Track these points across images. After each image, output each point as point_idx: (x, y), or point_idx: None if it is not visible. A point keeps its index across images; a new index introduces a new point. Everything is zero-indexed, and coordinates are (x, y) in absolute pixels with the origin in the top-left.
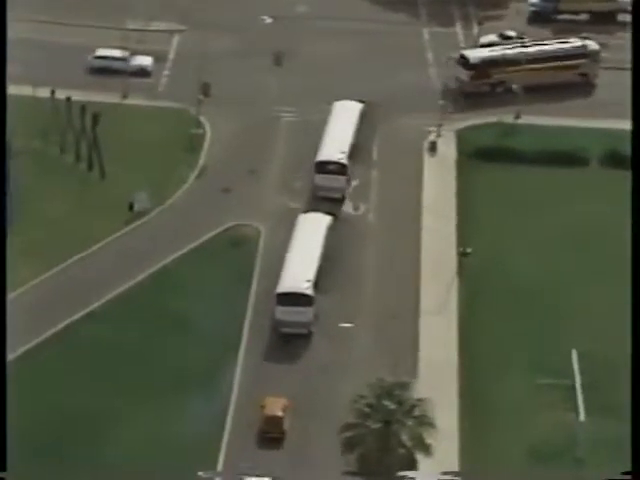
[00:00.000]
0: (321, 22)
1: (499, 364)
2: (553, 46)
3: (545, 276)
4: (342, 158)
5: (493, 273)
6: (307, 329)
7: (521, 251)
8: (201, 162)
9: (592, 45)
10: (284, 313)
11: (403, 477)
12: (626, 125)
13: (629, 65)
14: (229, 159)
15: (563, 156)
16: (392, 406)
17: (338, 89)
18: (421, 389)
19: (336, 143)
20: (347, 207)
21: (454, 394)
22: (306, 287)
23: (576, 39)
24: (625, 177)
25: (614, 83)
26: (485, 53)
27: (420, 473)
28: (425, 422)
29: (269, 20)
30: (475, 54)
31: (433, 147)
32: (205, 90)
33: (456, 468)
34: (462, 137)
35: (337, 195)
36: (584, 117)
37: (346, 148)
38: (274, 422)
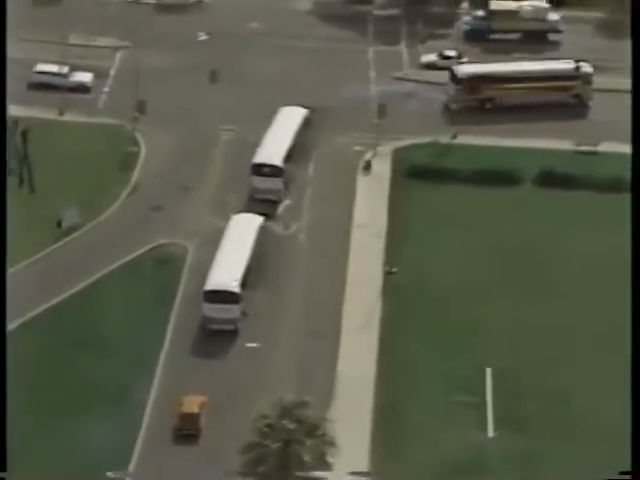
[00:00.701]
0: (270, 39)
1: (416, 381)
2: (545, 66)
3: (469, 295)
4: (278, 161)
5: (418, 292)
6: (234, 326)
7: (447, 270)
8: (134, 179)
9: (586, 67)
10: (211, 310)
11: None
12: (562, 145)
13: None
14: (163, 177)
15: (497, 175)
16: (291, 425)
17: (277, 106)
18: (336, 407)
19: (274, 146)
20: (278, 226)
21: (368, 412)
22: (233, 285)
23: (570, 60)
24: (558, 196)
25: None
26: (474, 69)
27: (329, 473)
28: (326, 441)
29: (205, 37)
30: (463, 69)
31: (368, 166)
32: (140, 107)
33: None
34: (398, 156)
35: (274, 197)
36: (522, 137)
37: (284, 151)
38: (190, 419)
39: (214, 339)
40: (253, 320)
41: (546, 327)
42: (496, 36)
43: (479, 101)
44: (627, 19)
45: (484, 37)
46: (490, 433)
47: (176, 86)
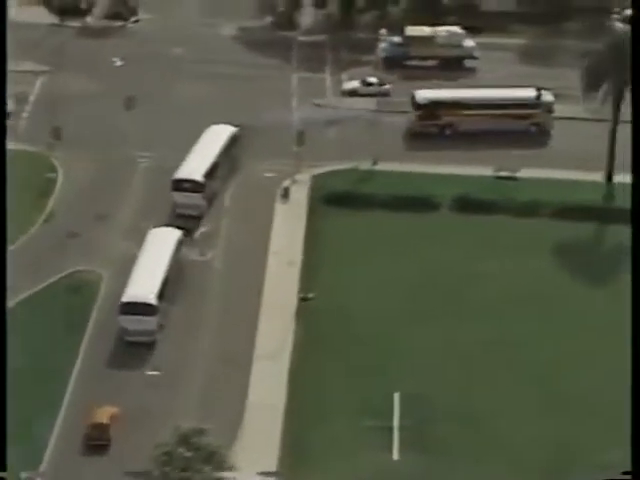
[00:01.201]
0: (194, 65)
1: (327, 407)
2: (506, 93)
3: (383, 320)
4: (198, 176)
5: (332, 317)
6: (151, 337)
7: (363, 296)
8: (50, 206)
9: (547, 95)
10: (128, 322)
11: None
12: (479, 171)
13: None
14: (79, 203)
15: (415, 201)
16: (188, 454)
17: (195, 133)
18: (245, 434)
19: (197, 162)
20: (194, 253)
21: (276, 438)
22: (150, 297)
23: (531, 88)
24: (474, 221)
25: None
26: (434, 94)
27: (238, 474)
28: (224, 468)
29: (120, 63)
30: (423, 95)
31: (286, 193)
32: (56, 134)
33: None
34: (317, 183)
35: (195, 213)
36: (440, 163)
37: (205, 167)
38: (100, 429)
39: (128, 360)
40: (164, 348)
41: (459, 351)
42: (413, 62)
43: (438, 127)
44: (549, 45)
45: (401, 63)
46: (395, 456)
47: (95, 111)
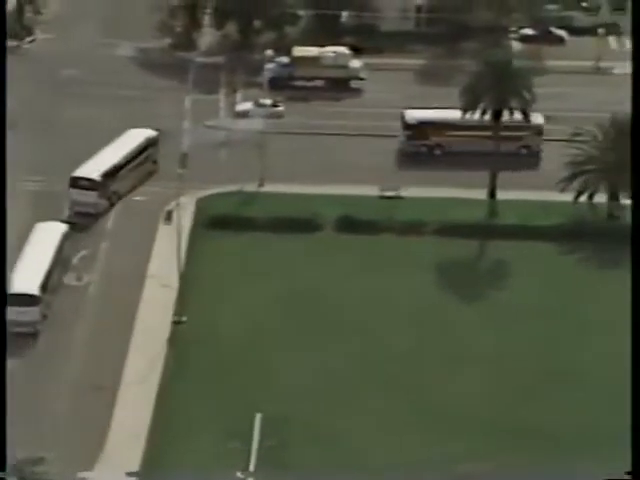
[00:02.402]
0: (86, 87)
1: (190, 431)
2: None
3: (257, 343)
4: (96, 175)
5: (204, 341)
6: (34, 328)
7: (238, 318)
8: None
9: (537, 118)
10: (12, 313)
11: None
12: (365, 190)
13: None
14: None
15: (298, 222)
16: None
17: (75, 156)
18: (104, 460)
19: (100, 162)
20: (70, 278)
21: (135, 465)
22: (33, 288)
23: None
24: (357, 241)
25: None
26: (423, 114)
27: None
28: None
29: None
30: (412, 114)
31: (169, 216)
32: None
33: None
34: (201, 206)
35: (91, 210)
36: (324, 183)
37: (106, 167)
38: None
39: None
40: (28, 375)
41: (329, 371)
42: (299, 83)
43: (428, 147)
44: (445, 65)
45: (287, 84)
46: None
47: None
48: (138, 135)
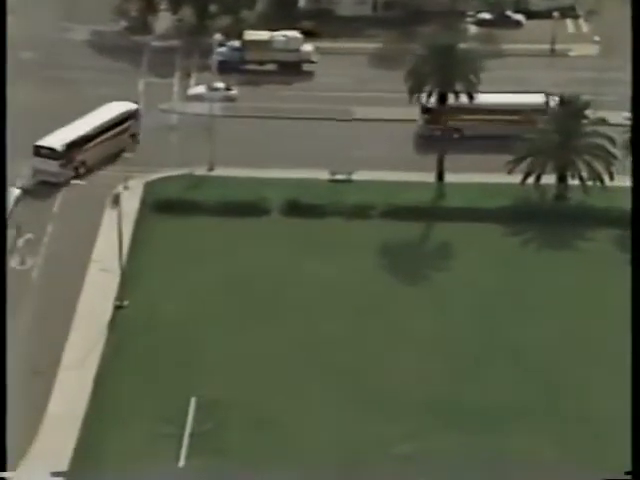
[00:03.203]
0: (40, 69)
1: (126, 415)
2: (514, 99)
3: (198, 327)
4: (58, 145)
5: (145, 325)
6: None
7: (179, 302)
8: None
9: (553, 100)
10: None
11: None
12: (314, 174)
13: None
14: None
15: (246, 206)
16: None
17: (24, 138)
18: (36, 446)
19: (66, 132)
20: (14, 262)
21: (69, 449)
22: None
23: (540, 94)
24: (304, 225)
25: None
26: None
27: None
28: None
29: None
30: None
31: (116, 200)
32: None
33: None
34: (149, 190)
35: (53, 179)
36: (274, 166)
37: (71, 138)
38: None
39: None
40: None
41: (268, 354)
42: (251, 67)
43: (446, 131)
44: (399, 49)
45: (237, 68)
46: (181, 462)
47: None
48: (116, 108)
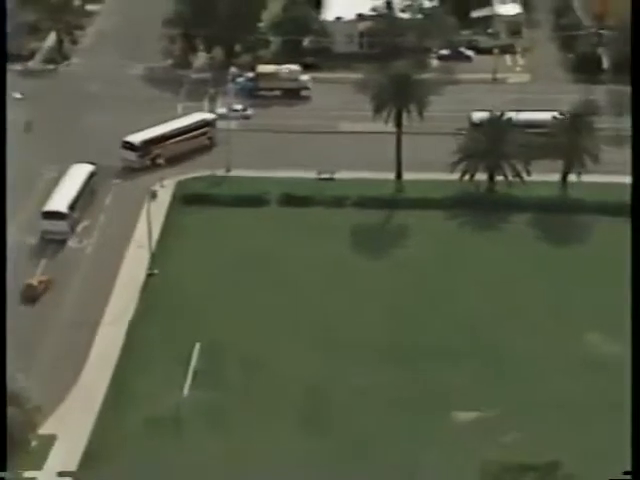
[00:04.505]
0: (104, 98)
1: (149, 359)
2: (527, 115)
3: (211, 291)
4: (137, 141)
5: (170, 290)
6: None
7: (198, 271)
8: None
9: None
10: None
11: None
12: (305, 174)
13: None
14: None
15: (252, 199)
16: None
17: (83, 150)
18: (84, 378)
19: (148, 132)
20: (73, 242)
21: (105, 384)
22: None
23: (555, 112)
24: (294, 213)
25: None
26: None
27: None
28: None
29: (19, 96)
30: (477, 115)
31: (154, 195)
32: None
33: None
34: (180, 186)
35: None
36: (276, 169)
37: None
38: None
39: None
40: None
41: (263, 312)
42: (262, 93)
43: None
44: (375, 79)
45: (252, 94)
46: (185, 392)
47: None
48: (196, 116)
